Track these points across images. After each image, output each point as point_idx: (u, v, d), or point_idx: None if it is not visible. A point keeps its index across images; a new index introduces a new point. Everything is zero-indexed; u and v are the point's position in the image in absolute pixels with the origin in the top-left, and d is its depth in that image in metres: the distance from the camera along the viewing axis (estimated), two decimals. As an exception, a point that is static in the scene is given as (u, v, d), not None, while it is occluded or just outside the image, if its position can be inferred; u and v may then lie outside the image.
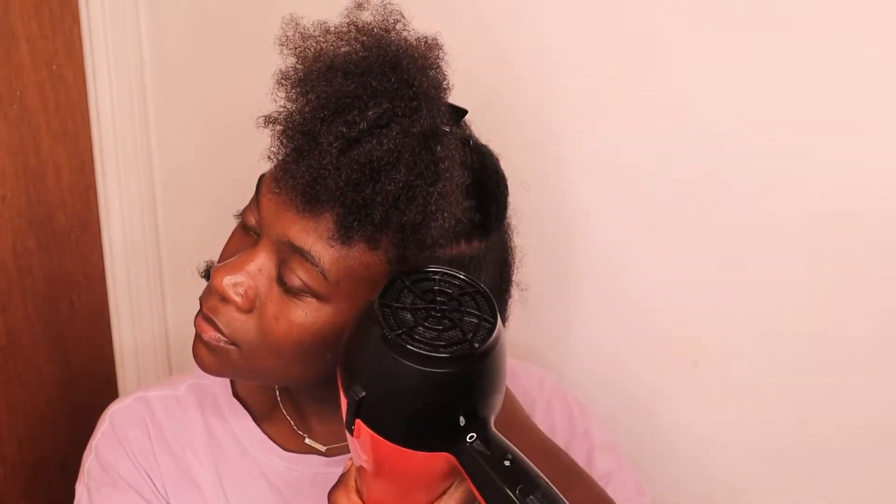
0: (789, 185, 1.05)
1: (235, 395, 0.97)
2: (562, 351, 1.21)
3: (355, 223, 0.77)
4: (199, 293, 0.85)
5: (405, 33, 0.81)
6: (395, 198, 0.76)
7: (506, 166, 0.88)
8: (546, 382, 1.05)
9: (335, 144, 0.76)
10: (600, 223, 1.15)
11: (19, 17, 1.27)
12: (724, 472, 1.17)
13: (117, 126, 1.39)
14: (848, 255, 1.04)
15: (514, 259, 0.91)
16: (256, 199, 0.83)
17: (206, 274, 0.88)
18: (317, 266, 0.78)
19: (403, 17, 0.82)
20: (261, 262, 0.81)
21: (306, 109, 0.78)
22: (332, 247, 0.78)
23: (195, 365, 0.87)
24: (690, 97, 1.06)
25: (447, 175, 0.77)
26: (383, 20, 0.81)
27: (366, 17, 0.81)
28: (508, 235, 0.89)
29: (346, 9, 0.81)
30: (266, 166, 0.88)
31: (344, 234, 0.77)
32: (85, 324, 1.44)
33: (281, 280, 0.80)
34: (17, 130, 1.30)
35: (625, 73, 1.09)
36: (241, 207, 0.89)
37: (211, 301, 0.83)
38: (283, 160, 0.80)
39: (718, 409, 1.15)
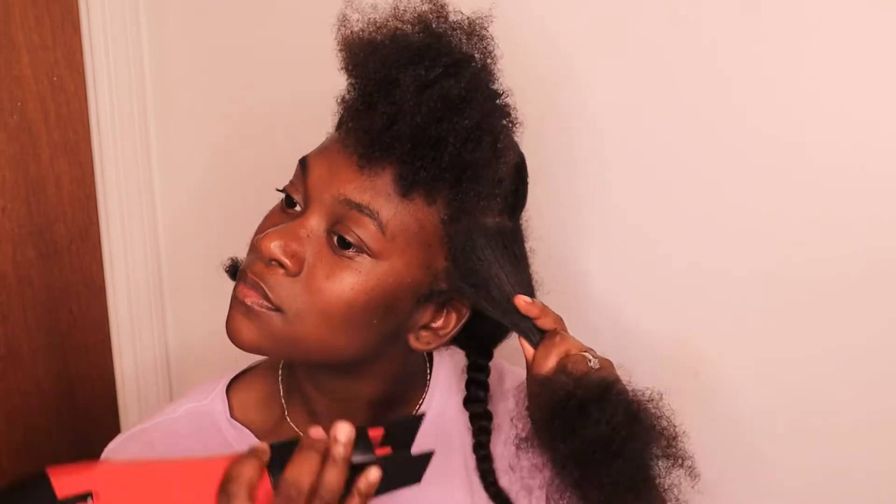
0: (793, 193, 1.05)
1: (233, 416, 0.96)
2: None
3: (421, 169, 0.80)
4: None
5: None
6: (468, 132, 0.80)
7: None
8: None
9: (413, 85, 0.79)
10: (602, 231, 1.15)
11: (20, 28, 1.28)
12: (726, 479, 1.17)
13: (118, 137, 1.39)
14: (852, 262, 1.04)
15: (527, 258, 0.92)
16: (303, 173, 0.85)
17: (231, 271, 0.89)
18: (375, 219, 0.81)
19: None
20: (310, 228, 0.83)
21: (380, 59, 0.82)
22: (390, 201, 0.81)
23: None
24: (702, 102, 1.07)
25: (511, 117, 0.84)
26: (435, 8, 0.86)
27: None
28: (525, 234, 0.91)
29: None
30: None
31: (404, 186, 0.81)
32: (85, 334, 1.44)
33: (332, 241, 0.82)
34: (18, 141, 1.30)
35: (636, 77, 1.09)
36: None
37: (257, 266, 0.83)
38: (355, 110, 0.83)
39: (719, 419, 1.15)
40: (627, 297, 1.16)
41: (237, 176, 1.37)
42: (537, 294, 0.91)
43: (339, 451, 0.73)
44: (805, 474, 1.12)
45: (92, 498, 0.68)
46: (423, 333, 0.88)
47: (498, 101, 0.84)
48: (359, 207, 0.81)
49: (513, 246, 0.87)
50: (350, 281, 0.81)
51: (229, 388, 0.97)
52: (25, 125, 1.31)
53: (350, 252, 0.81)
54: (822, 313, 1.07)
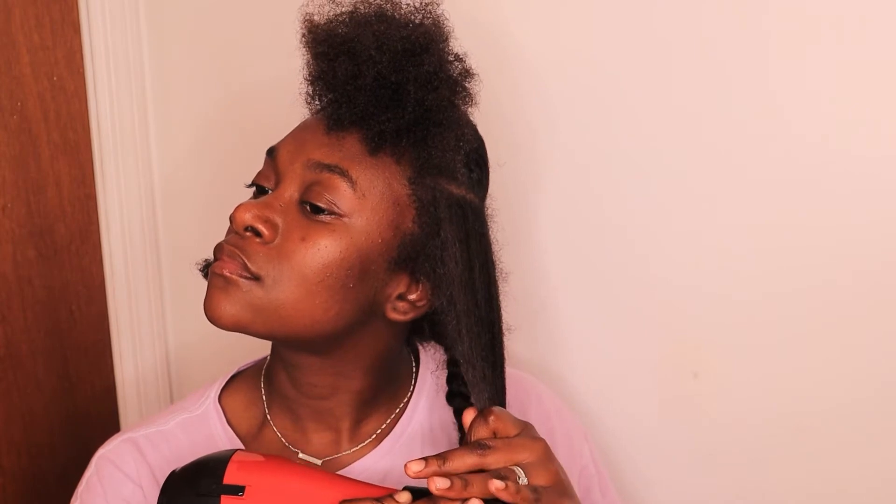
0: (791, 193, 1.05)
1: (228, 423, 0.96)
2: (560, 362, 1.20)
3: (386, 121, 0.83)
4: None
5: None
6: (427, 76, 0.83)
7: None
8: (524, 383, 1.05)
9: (373, 38, 0.83)
10: (597, 233, 1.15)
11: (20, 28, 1.28)
12: (725, 481, 1.17)
13: (118, 136, 1.39)
14: (853, 262, 1.04)
15: (491, 243, 0.91)
16: (271, 158, 0.88)
17: (205, 270, 0.89)
18: (345, 176, 0.84)
19: None
20: (283, 199, 0.86)
21: (340, 27, 0.86)
22: (359, 160, 0.84)
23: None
24: (697, 104, 1.07)
25: (469, 70, 0.88)
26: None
27: None
28: (488, 218, 0.91)
29: None
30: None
31: (372, 144, 0.84)
32: (84, 334, 1.44)
33: (305, 206, 0.85)
34: (18, 141, 1.30)
35: (613, 75, 1.09)
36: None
37: (233, 239, 0.85)
38: (319, 73, 0.87)
39: (719, 420, 1.15)
40: (624, 298, 1.16)
41: (238, 176, 1.36)
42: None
43: None
44: (804, 476, 1.12)
45: (243, 493, 0.73)
46: (400, 304, 0.88)
47: (452, 56, 0.87)
48: (329, 167, 0.84)
49: (479, 226, 0.88)
50: (324, 242, 0.83)
51: (220, 395, 0.98)
52: (25, 125, 1.31)
53: (322, 216, 0.84)
54: (822, 314, 1.07)
